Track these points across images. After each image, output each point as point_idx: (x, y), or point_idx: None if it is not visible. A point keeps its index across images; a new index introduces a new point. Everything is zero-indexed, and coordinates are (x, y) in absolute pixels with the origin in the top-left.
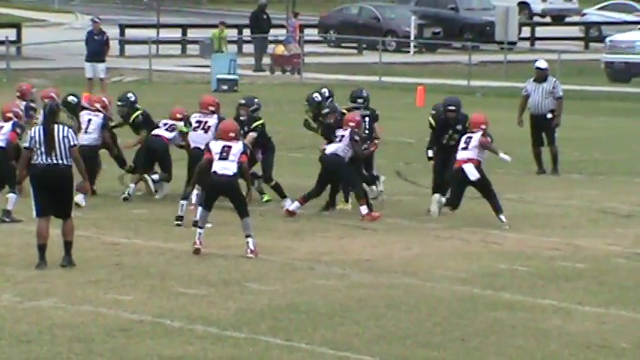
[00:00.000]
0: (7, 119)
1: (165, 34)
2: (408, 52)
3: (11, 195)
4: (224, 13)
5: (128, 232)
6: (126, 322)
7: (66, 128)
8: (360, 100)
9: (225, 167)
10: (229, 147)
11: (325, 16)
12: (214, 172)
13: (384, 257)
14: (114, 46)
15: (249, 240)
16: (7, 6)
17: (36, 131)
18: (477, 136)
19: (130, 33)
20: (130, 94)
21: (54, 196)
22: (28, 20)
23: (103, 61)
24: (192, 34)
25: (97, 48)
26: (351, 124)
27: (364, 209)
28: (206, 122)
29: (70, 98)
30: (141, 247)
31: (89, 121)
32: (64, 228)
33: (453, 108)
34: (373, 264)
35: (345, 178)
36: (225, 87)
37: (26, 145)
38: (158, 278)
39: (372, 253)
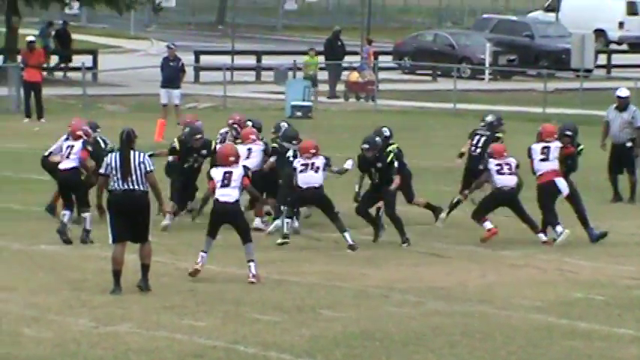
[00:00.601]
0: (76, 137)
1: (239, 60)
2: (483, 79)
3: (87, 215)
4: (298, 40)
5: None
6: (200, 347)
7: (142, 154)
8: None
9: (227, 194)
10: (230, 173)
11: (400, 43)
12: (216, 199)
13: (459, 285)
14: (189, 73)
15: (252, 265)
16: (83, 32)
17: (112, 157)
18: (556, 145)
19: (204, 59)
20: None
21: (131, 221)
22: (105, 47)
23: (178, 87)
24: (266, 60)
25: (172, 74)
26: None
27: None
28: (313, 163)
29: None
30: (215, 273)
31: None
32: (141, 252)
33: (569, 133)
34: (448, 292)
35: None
36: (299, 113)
37: (102, 171)
38: (232, 304)
39: (446, 281)
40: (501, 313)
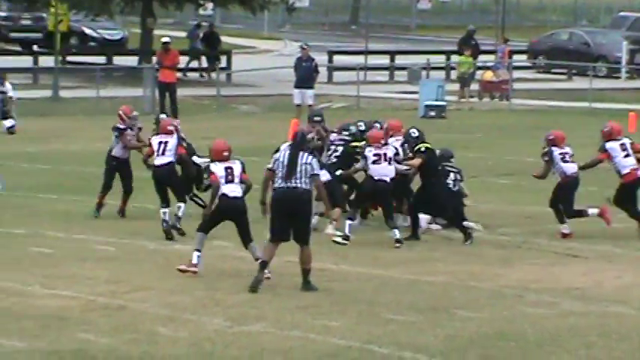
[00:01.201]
0: (168, 132)
1: (373, 60)
2: (619, 77)
3: (182, 205)
4: (432, 40)
5: (336, 258)
6: (334, 347)
7: (310, 156)
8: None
9: (234, 190)
10: (231, 168)
11: (535, 42)
12: (225, 195)
13: (595, 285)
14: (322, 73)
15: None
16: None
17: (282, 154)
18: (629, 141)
19: (338, 59)
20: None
21: (291, 220)
22: (238, 47)
23: (311, 87)
24: (400, 60)
25: (305, 74)
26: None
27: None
28: (385, 154)
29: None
30: (349, 273)
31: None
32: (301, 256)
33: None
34: (584, 292)
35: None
36: (432, 113)
37: (270, 166)
38: (366, 304)
39: (582, 281)
40: (638, 315)
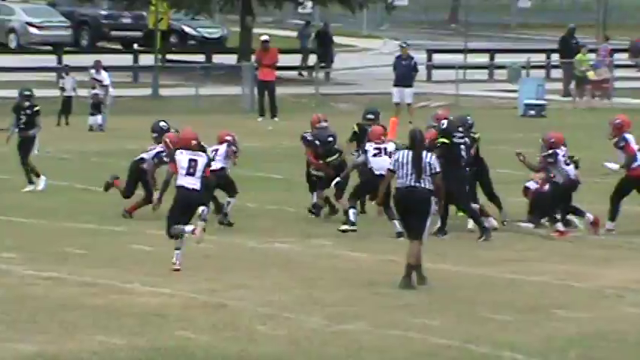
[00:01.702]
0: (222, 141)
1: (472, 58)
2: None
3: (232, 200)
4: (532, 38)
5: (435, 256)
6: (434, 347)
7: (431, 155)
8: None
9: (192, 183)
10: (195, 161)
11: (638, 41)
12: (182, 186)
13: None
14: (421, 71)
15: (202, 223)
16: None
17: (403, 154)
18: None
19: (437, 58)
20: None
21: (411, 217)
22: (338, 46)
23: (410, 86)
24: (499, 58)
25: (404, 73)
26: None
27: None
28: (385, 148)
29: (162, 124)
30: (448, 271)
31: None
32: (410, 250)
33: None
34: None
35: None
36: (532, 112)
37: (390, 167)
38: (466, 303)
39: None
40: None
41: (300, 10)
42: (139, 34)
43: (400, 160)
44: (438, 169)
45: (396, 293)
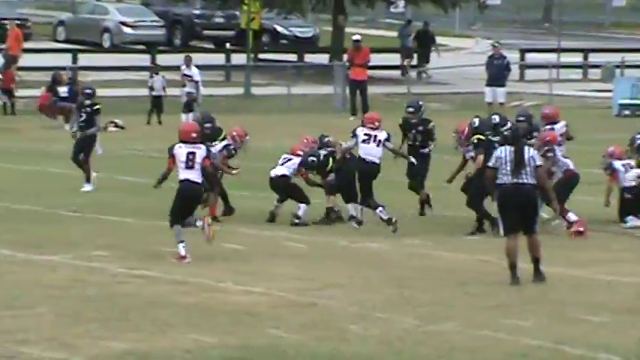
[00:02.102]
0: (296, 154)
1: (566, 58)
2: None
3: (302, 206)
4: (627, 37)
5: (528, 257)
6: (525, 347)
7: (532, 149)
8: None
9: (194, 176)
10: (193, 153)
11: None
12: (186, 179)
13: None
14: (514, 71)
15: (181, 245)
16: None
17: (503, 151)
18: None
19: (530, 57)
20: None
21: (521, 213)
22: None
23: (503, 85)
24: (593, 58)
25: (497, 72)
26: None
27: None
28: (375, 136)
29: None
30: (544, 272)
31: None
32: (530, 245)
33: None
34: None
35: None
36: (627, 112)
37: (491, 164)
38: (558, 304)
39: None
40: None
41: (392, 9)
42: (231, 33)
43: (501, 156)
44: (539, 162)
45: (488, 293)
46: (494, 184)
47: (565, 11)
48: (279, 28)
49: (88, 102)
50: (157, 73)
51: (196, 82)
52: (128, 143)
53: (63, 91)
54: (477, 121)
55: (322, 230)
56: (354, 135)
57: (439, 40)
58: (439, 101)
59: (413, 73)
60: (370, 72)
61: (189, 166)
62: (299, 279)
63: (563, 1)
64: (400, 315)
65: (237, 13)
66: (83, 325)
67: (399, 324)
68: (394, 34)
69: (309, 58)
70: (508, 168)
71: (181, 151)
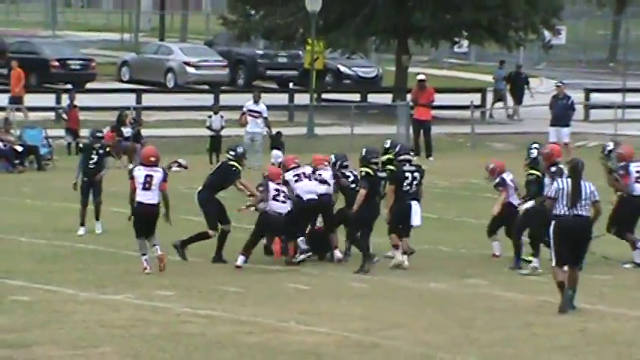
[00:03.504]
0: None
1: (631, 98)
2: None
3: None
4: None
5: (593, 298)
6: None
7: (591, 184)
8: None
9: (149, 197)
10: (151, 176)
11: None
12: (140, 202)
13: None
14: (578, 111)
15: (156, 247)
16: (472, 71)
17: (563, 183)
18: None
19: (595, 97)
20: None
21: (574, 245)
22: (492, 85)
23: (567, 125)
24: None
25: (561, 112)
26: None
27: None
28: (303, 172)
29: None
30: (606, 313)
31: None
32: (570, 276)
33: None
34: None
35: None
36: None
37: (551, 195)
38: (625, 345)
39: None
40: None
41: (456, 49)
42: (294, 73)
43: (561, 188)
44: (598, 197)
45: (553, 334)
46: (552, 214)
47: (630, 51)
48: (343, 68)
49: (98, 144)
50: (216, 113)
51: (265, 118)
52: (190, 182)
53: (127, 131)
54: (535, 152)
55: (385, 271)
56: (286, 182)
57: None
58: (502, 141)
59: (475, 114)
60: (434, 112)
61: (146, 187)
62: (363, 319)
63: (628, 40)
64: (465, 356)
65: (301, 52)
66: None
67: None
68: (458, 73)
69: (373, 97)
70: (568, 200)
71: (140, 173)
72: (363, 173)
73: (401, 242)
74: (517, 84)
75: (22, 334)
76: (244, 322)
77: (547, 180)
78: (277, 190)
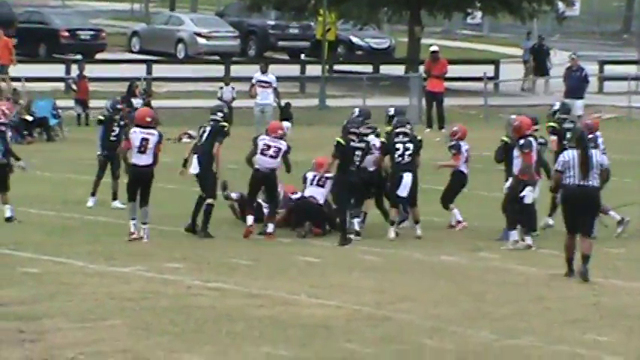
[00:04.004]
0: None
1: None
2: None
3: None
4: None
5: (606, 271)
6: None
7: (599, 152)
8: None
9: (144, 160)
10: (147, 140)
11: None
12: (135, 164)
13: None
14: (592, 83)
15: (145, 227)
16: (485, 42)
17: (570, 155)
18: None
19: (609, 69)
20: None
21: (582, 215)
22: (505, 56)
23: (581, 97)
24: None
25: (575, 84)
26: None
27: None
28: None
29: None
30: (619, 287)
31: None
32: (583, 245)
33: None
34: None
35: None
36: None
37: (559, 168)
38: (637, 319)
39: None
40: None
41: (469, 20)
42: (306, 44)
43: (568, 160)
44: (606, 165)
45: (565, 308)
46: (559, 186)
47: None
48: (355, 39)
49: (118, 116)
50: (227, 84)
51: (274, 88)
52: None
53: (137, 102)
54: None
55: (397, 243)
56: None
57: (515, 51)
58: (516, 113)
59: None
60: (447, 84)
61: (142, 151)
62: (374, 292)
63: None
64: (477, 329)
65: (313, 24)
66: (157, 338)
67: (475, 338)
68: (471, 45)
69: (385, 69)
70: (575, 171)
71: (136, 136)
72: (335, 142)
73: (411, 212)
74: (539, 56)
75: (31, 306)
76: (255, 295)
77: (515, 152)
78: (267, 145)
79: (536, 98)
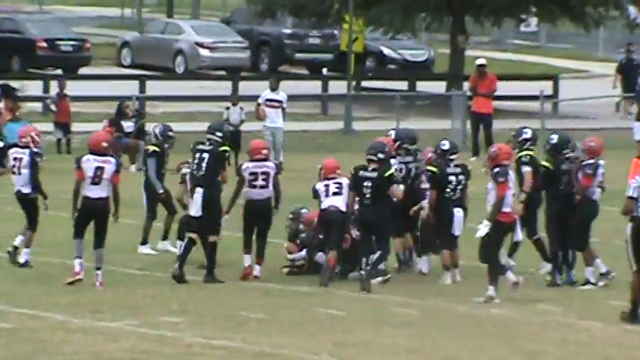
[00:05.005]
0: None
1: None
2: None
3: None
4: None
5: None
6: None
7: None
8: None
9: (98, 192)
10: (102, 169)
11: None
12: (87, 197)
13: None
14: None
15: (99, 272)
16: (542, 54)
17: None
18: None
19: None
20: None
21: None
22: (567, 71)
23: None
24: None
25: None
26: None
27: None
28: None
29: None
30: None
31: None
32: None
33: None
34: None
35: None
36: None
37: (630, 194)
38: None
39: None
40: None
41: (522, 28)
42: (329, 56)
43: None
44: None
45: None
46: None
47: None
48: (386, 51)
49: (167, 145)
50: (234, 104)
51: (284, 109)
52: None
53: (128, 125)
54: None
55: (436, 293)
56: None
57: (579, 65)
58: (578, 139)
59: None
60: (496, 103)
61: (95, 182)
62: (409, 352)
63: None
64: None
65: (337, 32)
66: None
67: None
68: (525, 57)
69: (422, 86)
70: None
71: (90, 164)
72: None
73: (450, 255)
74: (628, 73)
75: None
76: (267, 354)
77: (490, 184)
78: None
79: (600, 122)
